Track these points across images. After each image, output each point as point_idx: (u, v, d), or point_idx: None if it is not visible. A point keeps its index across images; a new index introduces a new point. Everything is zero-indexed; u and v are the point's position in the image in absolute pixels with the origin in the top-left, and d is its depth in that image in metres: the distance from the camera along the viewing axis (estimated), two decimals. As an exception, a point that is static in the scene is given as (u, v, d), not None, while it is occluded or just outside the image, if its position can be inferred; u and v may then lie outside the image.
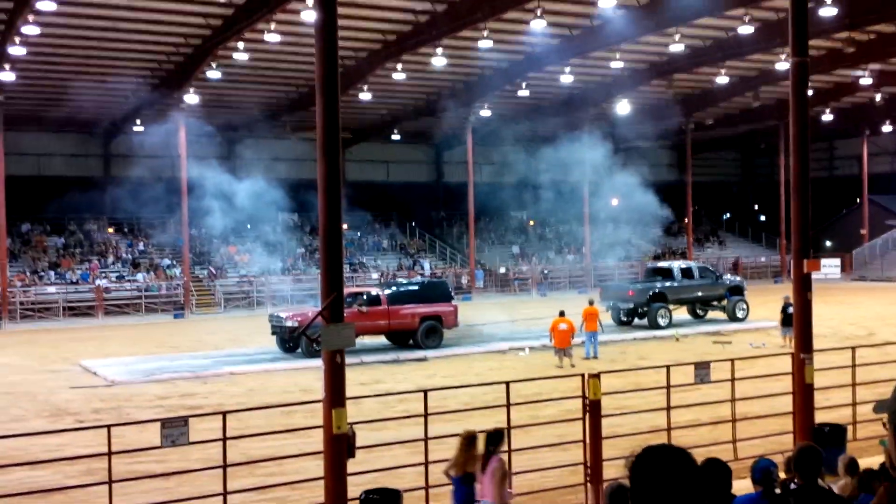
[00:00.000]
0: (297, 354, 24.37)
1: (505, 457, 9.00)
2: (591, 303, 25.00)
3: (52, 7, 25.99)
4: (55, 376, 22.42)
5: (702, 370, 11.35)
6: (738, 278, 34.37)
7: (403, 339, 25.81)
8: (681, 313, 31.34)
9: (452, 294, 27.13)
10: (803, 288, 11.94)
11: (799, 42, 12.21)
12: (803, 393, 11.68)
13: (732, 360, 12.64)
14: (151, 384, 20.92)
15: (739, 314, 30.50)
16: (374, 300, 24.78)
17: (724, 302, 30.97)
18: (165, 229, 46.91)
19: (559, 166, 53.01)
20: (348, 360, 10.11)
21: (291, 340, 24.35)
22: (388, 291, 25.56)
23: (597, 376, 10.80)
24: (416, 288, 26.61)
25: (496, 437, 8.57)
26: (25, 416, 17.50)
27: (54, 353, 26.89)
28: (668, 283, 30.41)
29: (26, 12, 26.33)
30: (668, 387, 11.56)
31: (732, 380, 12.18)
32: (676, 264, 32.55)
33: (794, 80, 12.10)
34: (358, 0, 27.47)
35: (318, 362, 21.08)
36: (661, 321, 28.89)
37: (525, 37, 32.25)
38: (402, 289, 26.48)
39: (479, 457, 8.43)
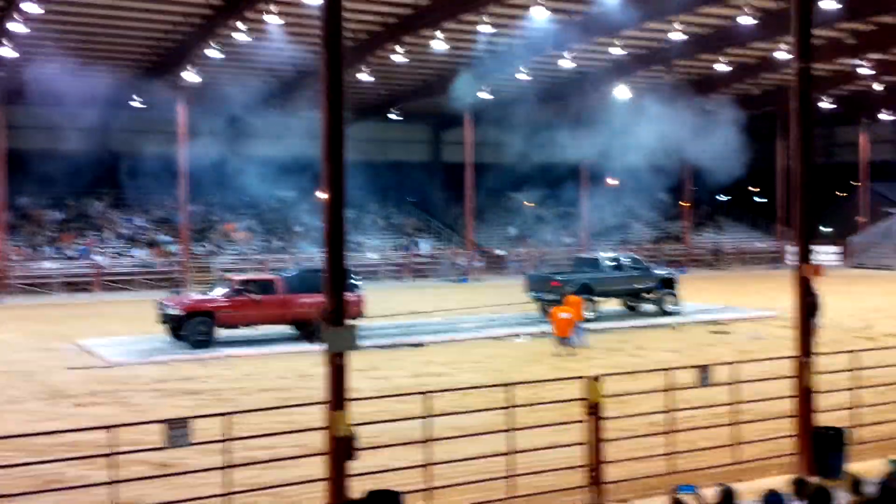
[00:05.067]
0: (290, 340, 24.29)
1: None
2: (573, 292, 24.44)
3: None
4: (52, 355, 22.41)
5: (703, 373, 11.41)
6: (671, 270, 33.04)
7: (307, 328, 24.37)
8: (612, 305, 30.60)
9: (358, 284, 25.32)
10: (803, 292, 11.97)
11: (803, 44, 12.23)
12: (804, 396, 11.74)
13: (731, 363, 12.70)
14: (150, 366, 20.95)
15: (668, 307, 29.57)
16: (269, 288, 24.11)
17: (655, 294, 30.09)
18: (164, 206, 46.85)
19: (558, 149, 53.03)
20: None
21: (180, 329, 23.59)
22: (285, 280, 24.72)
23: (596, 379, 10.85)
24: (316, 276, 24.18)
25: None
26: (22, 397, 17.51)
27: (51, 331, 26.86)
28: (594, 275, 29.39)
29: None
30: (669, 390, 11.64)
31: (732, 383, 12.24)
32: (604, 255, 31.54)
33: (798, 84, 12.09)
34: (360, -18, 27.31)
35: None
36: (586, 314, 27.42)
37: (525, 21, 32.07)
38: (301, 277, 25.24)
39: None
